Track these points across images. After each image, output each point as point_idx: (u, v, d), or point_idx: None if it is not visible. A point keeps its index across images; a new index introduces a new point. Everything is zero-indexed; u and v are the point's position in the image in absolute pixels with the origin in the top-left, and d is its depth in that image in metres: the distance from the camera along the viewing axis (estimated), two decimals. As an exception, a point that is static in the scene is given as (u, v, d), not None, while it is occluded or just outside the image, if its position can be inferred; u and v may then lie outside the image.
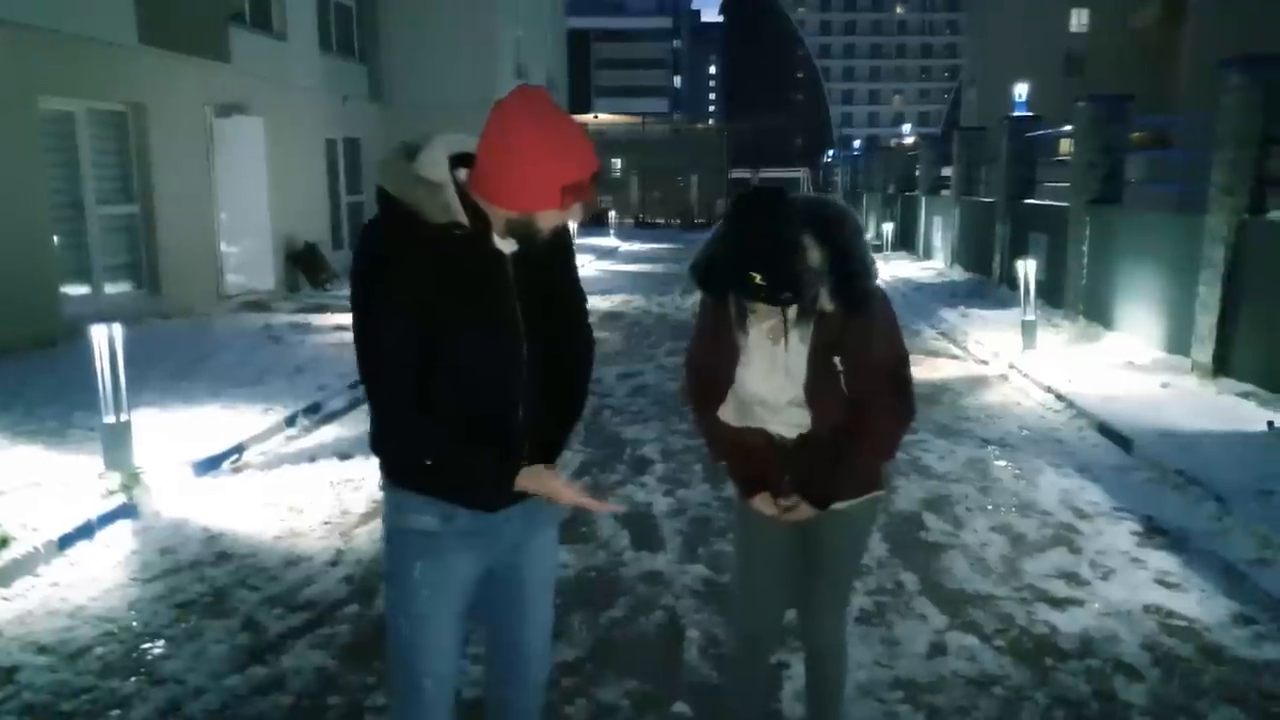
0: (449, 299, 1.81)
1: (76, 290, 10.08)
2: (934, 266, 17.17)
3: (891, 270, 16.55)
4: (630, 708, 3.11)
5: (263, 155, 12.94)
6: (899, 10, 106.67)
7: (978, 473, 5.67)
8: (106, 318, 9.23)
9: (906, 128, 56.77)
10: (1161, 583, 4.12)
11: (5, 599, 3.89)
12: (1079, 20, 43.38)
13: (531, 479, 1.89)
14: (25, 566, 4.13)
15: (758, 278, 2.02)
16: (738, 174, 43.82)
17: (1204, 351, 7.58)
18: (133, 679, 3.25)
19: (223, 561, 4.29)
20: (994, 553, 4.45)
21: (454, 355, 1.84)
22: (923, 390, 7.79)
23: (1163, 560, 4.36)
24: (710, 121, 72.96)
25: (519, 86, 1.82)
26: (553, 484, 1.91)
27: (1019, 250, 11.61)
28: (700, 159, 40.35)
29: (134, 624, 3.67)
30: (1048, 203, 12.26)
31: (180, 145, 11.37)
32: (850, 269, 2.15)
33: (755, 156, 54.76)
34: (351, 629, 3.63)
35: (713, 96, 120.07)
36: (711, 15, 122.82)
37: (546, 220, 1.80)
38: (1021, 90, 17.86)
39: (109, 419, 5.12)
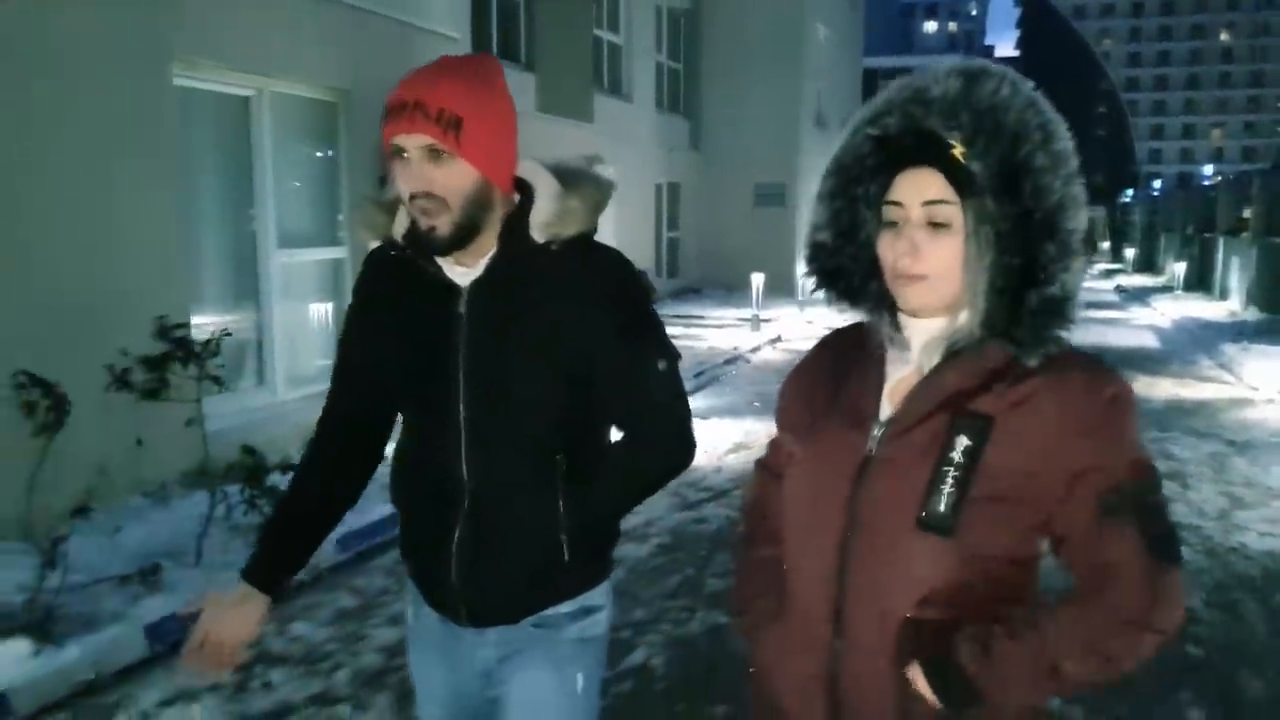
0: (385, 344, 1.50)
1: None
2: (1227, 308, 17.04)
3: (1181, 309, 16.74)
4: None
5: (612, 199, 16.08)
6: (1224, 37, 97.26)
7: (1216, 462, 6.89)
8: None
9: (1209, 169, 52.23)
10: (1355, 535, 5.33)
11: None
12: None
13: (224, 598, 1.48)
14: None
15: (957, 147, 1.09)
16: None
17: None
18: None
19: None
20: (1212, 506, 5.82)
21: (403, 427, 1.53)
22: (1184, 406, 8.89)
23: (1363, 523, 5.52)
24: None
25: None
26: (218, 620, 1.46)
27: (1313, 291, 11.89)
28: (985, 198, 40.04)
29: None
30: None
31: (557, 189, 14.64)
32: (1037, 262, 1.09)
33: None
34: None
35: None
36: (1007, 50, 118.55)
37: (401, 180, 1.35)
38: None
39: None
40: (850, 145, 1.22)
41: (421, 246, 1.39)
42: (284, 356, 6.31)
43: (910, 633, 1.14)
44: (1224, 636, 3.95)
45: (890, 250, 1.15)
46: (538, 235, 1.44)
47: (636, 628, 3.97)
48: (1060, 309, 1.10)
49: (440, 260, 1.42)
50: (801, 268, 1.29)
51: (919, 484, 1.12)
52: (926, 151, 1.12)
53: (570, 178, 1.50)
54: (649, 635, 3.91)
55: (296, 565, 1.57)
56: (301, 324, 6.68)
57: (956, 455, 1.10)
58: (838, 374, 1.27)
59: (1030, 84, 1.14)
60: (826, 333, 1.37)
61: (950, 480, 1.10)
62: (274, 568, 1.53)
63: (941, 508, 1.10)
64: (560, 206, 1.45)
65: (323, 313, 6.85)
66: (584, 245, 1.47)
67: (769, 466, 1.44)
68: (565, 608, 1.51)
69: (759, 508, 1.43)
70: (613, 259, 1.49)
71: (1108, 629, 1.09)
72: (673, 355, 1.50)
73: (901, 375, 1.21)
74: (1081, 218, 1.10)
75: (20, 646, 3.45)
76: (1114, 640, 1.09)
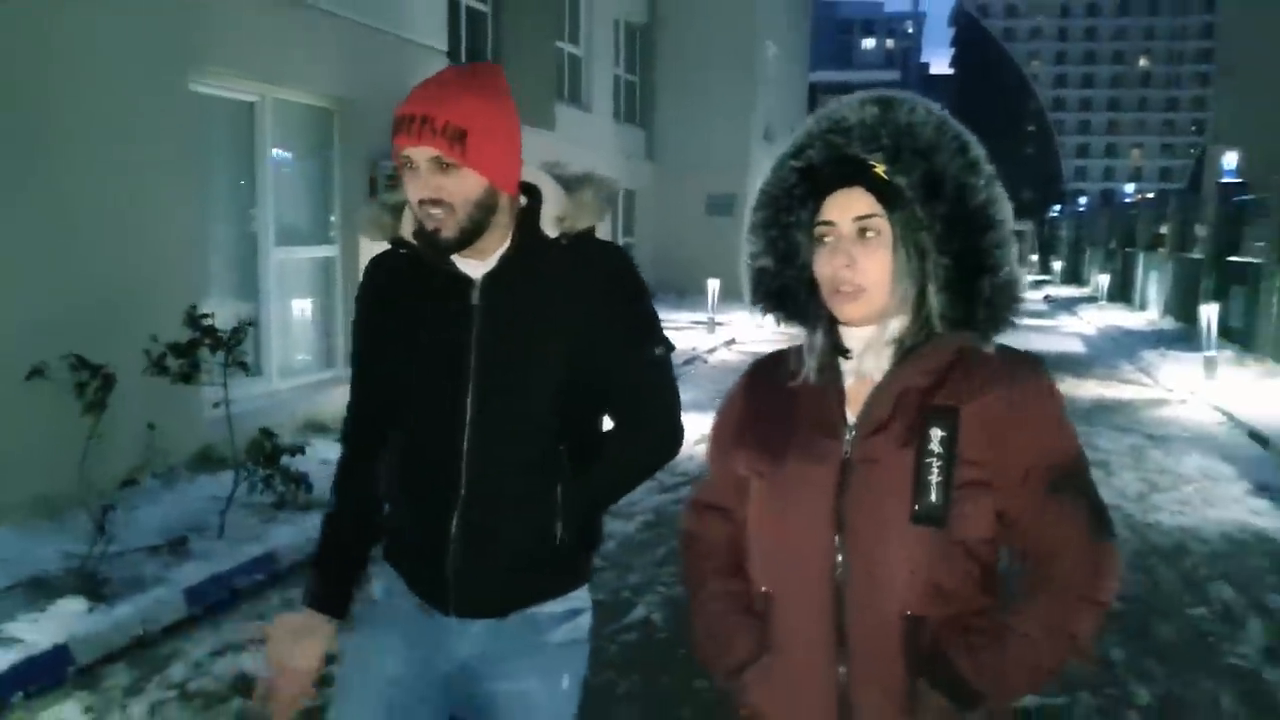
0: (394, 342, 1.53)
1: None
2: (1147, 317, 18.23)
3: (1105, 318, 17.84)
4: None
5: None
6: (1142, 63, 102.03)
7: (1135, 453, 7.62)
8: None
9: (1130, 187, 54.85)
10: (1254, 513, 6.04)
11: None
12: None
13: (289, 624, 1.53)
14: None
15: (879, 166, 1.18)
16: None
17: (1367, 387, 8.95)
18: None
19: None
20: (1132, 490, 6.50)
21: (403, 417, 1.54)
22: (1108, 405, 9.67)
23: (1260, 504, 6.25)
24: (933, 174, 72.93)
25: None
26: (286, 646, 1.51)
27: (1223, 302, 12.91)
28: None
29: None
30: (1245, 260, 13.49)
31: (518, 194, 15.04)
32: (981, 252, 1.17)
33: (978, 210, 54.55)
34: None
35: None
36: (941, 67, 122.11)
37: (410, 188, 1.41)
38: (1231, 159, 18.61)
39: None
40: (775, 179, 1.27)
41: (428, 245, 1.44)
42: (279, 348, 6.61)
43: (912, 631, 1.16)
44: (1141, 593, 4.57)
45: (828, 265, 1.19)
46: (550, 230, 1.50)
47: (634, 590, 4.43)
48: (1012, 290, 1.19)
49: (453, 255, 1.46)
50: (747, 295, 1.32)
51: (904, 479, 1.15)
52: (851, 174, 1.18)
53: (573, 181, 1.56)
54: (647, 596, 4.37)
55: (356, 584, 1.59)
56: (294, 318, 6.98)
57: (934, 446, 1.15)
58: (780, 396, 1.28)
59: (938, 106, 1.22)
60: (750, 362, 1.41)
61: (935, 471, 1.14)
62: (337, 591, 1.57)
63: (933, 498, 1.14)
64: (575, 200, 1.51)
65: (313, 308, 7.16)
66: (589, 239, 1.53)
67: (712, 504, 1.41)
68: (554, 607, 1.53)
69: (701, 546, 1.40)
70: (615, 252, 1.57)
71: (1066, 608, 1.16)
72: (667, 345, 1.56)
73: (852, 384, 1.24)
74: (1008, 210, 1.19)
75: (76, 604, 3.76)
76: (1073, 617, 1.16)
